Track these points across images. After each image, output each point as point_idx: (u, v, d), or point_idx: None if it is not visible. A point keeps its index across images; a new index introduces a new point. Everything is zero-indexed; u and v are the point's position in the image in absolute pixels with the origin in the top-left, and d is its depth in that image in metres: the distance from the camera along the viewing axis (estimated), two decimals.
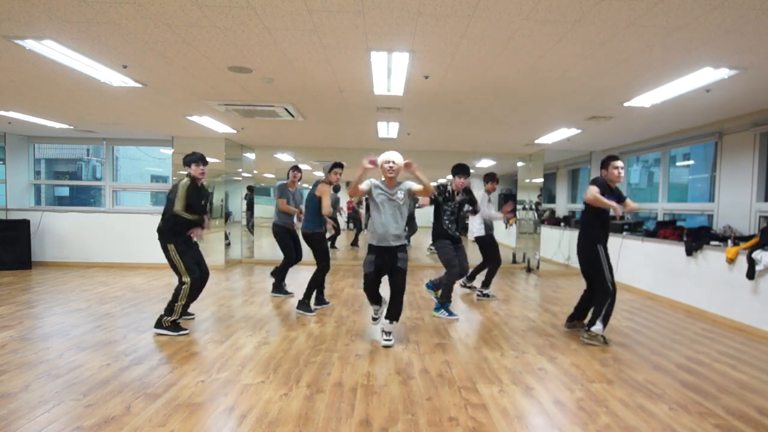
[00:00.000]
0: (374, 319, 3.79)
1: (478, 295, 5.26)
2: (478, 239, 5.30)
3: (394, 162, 3.39)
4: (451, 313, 4.36)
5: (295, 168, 5.06)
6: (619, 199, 3.74)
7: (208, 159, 3.75)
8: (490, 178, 5.24)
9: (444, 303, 4.39)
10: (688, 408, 2.54)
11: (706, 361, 3.30)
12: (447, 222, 4.38)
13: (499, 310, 4.73)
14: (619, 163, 3.69)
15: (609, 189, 3.66)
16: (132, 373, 2.81)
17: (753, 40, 2.69)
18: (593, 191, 3.48)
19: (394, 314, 3.52)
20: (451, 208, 4.39)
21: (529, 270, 7.66)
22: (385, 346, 3.47)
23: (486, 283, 5.25)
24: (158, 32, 2.80)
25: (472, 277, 5.53)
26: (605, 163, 3.71)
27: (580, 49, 2.92)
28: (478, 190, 5.12)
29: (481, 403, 2.53)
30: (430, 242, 10.10)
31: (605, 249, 3.63)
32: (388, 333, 3.55)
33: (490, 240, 5.27)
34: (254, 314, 4.26)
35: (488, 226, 5.26)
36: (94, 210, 7.40)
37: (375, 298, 3.73)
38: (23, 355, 3.08)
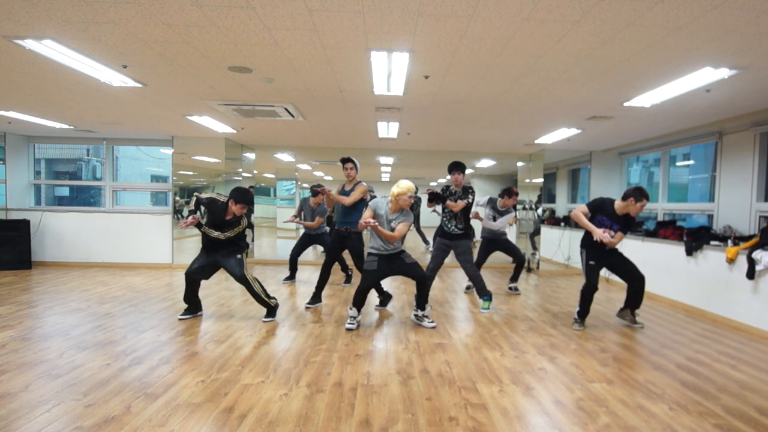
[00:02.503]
0: (349, 329, 3.84)
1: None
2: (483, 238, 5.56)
3: (411, 196, 3.72)
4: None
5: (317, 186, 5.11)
6: (622, 227, 3.83)
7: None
8: (506, 193, 5.28)
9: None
10: (688, 408, 2.54)
11: (706, 361, 3.30)
12: (444, 219, 4.58)
13: (499, 310, 4.73)
14: (646, 202, 3.77)
15: (613, 215, 3.84)
16: (132, 373, 2.81)
17: (753, 40, 2.69)
18: (579, 208, 3.94)
19: (423, 302, 4.03)
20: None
21: (529, 270, 7.65)
22: (431, 327, 3.96)
23: (469, 286, 5.61)
24: (158, 32, 2.80)
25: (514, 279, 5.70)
26: (637, 197, 3.69)
27: (580, 49, 2.92)
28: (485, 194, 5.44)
29: (481, 403, 2.53)
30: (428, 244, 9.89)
31: (588, 253, 4.00)
32: (428, 317, 4.05)
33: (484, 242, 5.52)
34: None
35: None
36: (94, 210, 7.39)
37: (362, 301, 3.91)
38: (23, 355, 3.08)
